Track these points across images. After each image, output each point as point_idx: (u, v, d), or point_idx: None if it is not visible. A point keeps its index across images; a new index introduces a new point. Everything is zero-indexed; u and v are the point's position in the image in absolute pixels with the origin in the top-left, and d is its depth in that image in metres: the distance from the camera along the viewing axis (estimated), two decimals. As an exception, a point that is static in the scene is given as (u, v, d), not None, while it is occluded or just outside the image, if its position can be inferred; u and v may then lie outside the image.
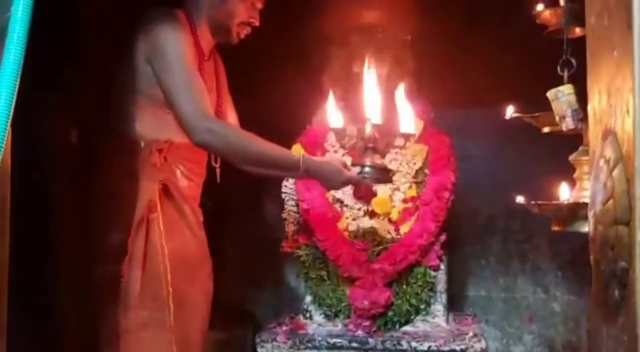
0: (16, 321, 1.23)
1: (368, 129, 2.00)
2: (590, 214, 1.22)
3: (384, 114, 2.02)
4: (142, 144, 1.90)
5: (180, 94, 1.84)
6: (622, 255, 1.04)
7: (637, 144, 1.00)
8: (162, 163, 1.90)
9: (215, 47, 2.16)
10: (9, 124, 1.12)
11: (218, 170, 2.10)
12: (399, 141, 2.27)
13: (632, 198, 1.01)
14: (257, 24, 2.10)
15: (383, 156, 2.04)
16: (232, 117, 2.24)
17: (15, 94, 1.14)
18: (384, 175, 1.99)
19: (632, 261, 1.01)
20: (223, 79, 2.22)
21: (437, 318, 2.53)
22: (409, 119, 2.06)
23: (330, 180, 1.97)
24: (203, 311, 1.99)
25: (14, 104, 1.13)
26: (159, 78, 1.87)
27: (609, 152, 1.09)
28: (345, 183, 2.01)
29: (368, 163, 1.94)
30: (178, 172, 1.96)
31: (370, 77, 2.12)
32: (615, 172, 1.06)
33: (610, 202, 1.08)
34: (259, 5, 2.09)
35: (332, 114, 2.15)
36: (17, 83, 1.14)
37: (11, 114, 1.12)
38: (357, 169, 1.95)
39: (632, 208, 1.01)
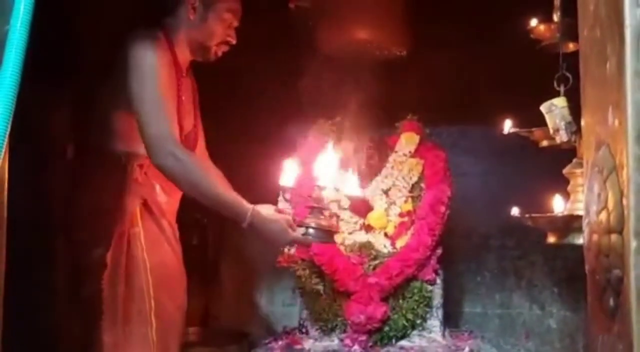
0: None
1: (316, 191, 2.03)
2: (585, 223, 1.23)
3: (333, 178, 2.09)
4: (123, 159, 1.91)
5: (151, 113, 1.84)
6: (616, 263, 1.05)
7: (630, 154, 1.01)
8: (143, 178, 1.91)
9: (191, 64, 2.18)
10: (7, 134, 1.13)
11: None
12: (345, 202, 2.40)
13: (626, 208, 1.02)
14: (234, 42, 2.13)
15: (330, 215, 2.08)
16: (201, 136, 2.27)
17: (14, 105, 1.15)
18: (328, 236, 2.03)
19: (625, 269, 1.02)
20: (197, 96, 2.24)
21: (433, 333, 2.53)
22: (354, 182, 2.23)
23: (274, 239, 1.97)
24: (181, 325, 1.99)
25: (12, 114, 1.14)
26: (132, 94, 1.87)
27: (603, 163, 1.10)
28: (290, 244, 2.06)
29: (312, 224, 1.96)
30: (158, 188, 1.97)
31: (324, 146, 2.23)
32: (609, 183, 1.07)
33: (604, 212, 1.09)
34: (236, 24, 2.12)
35: (287, 172, 2.15)
36: (16, 94, 1.15)
37: (10, 124, 1.13)
38: (302, 230, 1.97)
39: (625, 218, 1.02)
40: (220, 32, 2.08)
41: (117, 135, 1.94)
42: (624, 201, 1.02)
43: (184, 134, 2.05)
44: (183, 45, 2.07)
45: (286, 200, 2.42)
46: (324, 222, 1.99)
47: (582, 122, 1.28)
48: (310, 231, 1.96)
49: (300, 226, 1.97)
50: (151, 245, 1.89)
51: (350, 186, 2.23)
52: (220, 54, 2.13)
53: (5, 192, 1.24)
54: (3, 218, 1.22)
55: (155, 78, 1.88)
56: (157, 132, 1.83)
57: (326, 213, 2.04)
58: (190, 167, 1.85)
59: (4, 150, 1.13)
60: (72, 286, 1.88)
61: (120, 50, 1.92)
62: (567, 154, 2.02)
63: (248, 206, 1.92)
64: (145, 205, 1.90)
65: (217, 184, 1.88)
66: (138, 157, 1.93)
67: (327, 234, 2.01)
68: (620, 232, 1.03)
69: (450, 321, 2.90)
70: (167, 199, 2.00)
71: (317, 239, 2.00)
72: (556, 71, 2.02)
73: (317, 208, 2.01)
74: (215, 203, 1.90)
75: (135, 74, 1.87)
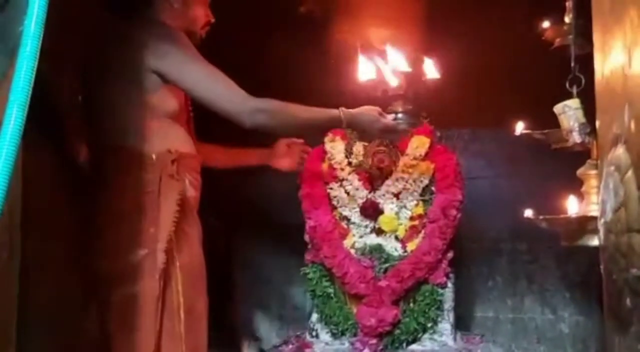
0: (32, 335, 1.23)
1: (396, 79, 2.17)
2: (601, 222, 1.22)
3: (410, 64, 2.23)
4: (154, 157, 1.90)
5: (213, 90, 1.86)
6: (635, 263, 1.04)
7: (648, 151, 1.00)
8: (178, 174, 1.91)
9: None
10: (21, 137, 1.13)
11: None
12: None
13: (644, 205, 1.01)
14: (213, 20, 2.13)
15: (411, 103, 2.22)
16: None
17: (28, 105, 1.15)
18: (416, 119, 2.17)
19: (644, 268, 1.01)
20: None
21: (444, 337, 2.51)
22: (432, 66, 2.29)
23: (369, 128, 2.12)
24: (206, 318, 2.00)
25: (26, 115, 1.14)
26: (182, 84, 1.88)
27: (620, 160, 1.10)
28: (382, 130, 2.15)
29: (400, 109, 2.12)
30: (187, 182, 1.97)
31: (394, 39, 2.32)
32: (627, 179, 1.07)
33: (621, 210, 1.08)
34: (208, 1, 2.13)
35: (363, 66, 2.27)
36: (30, 93, 1.15)
37: (23, 126, 1.13)
38: (391, 116, 2.11)
39: (643, 215, 1.01)
40: (202, 14, 2.10)
41: (142, 133, 1.93)
42: (642, 199, 1.01)
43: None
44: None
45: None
46: (408, 107, 2.15)
47: (597, 121, 1.27)
48: (399, 115, 2.12)
49: (389, 113, 2.12)
50: (180, 242, 1.89)
51: (430, 69, 2.31)
52: (204, 35, 2.13)
53: (20, 196, 1.23)
54: (17, 225, 1.22)
55: (195, 55, 1.89)
56: (229, 99, 1.87)
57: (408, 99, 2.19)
58: (278, 111, 1.95)
59: (19, 145, 1.13)
60: (108, 287, 1.87)
61: (135, 46, 1.90)
62: (580, 157, 2.01)
63: (336, 110, 2.05)
64: (182, 200, 1.90)
65: (302, 110, 1.99)
66: (168, 153, 1.92)
67: (414, 117, 2.15)
68: (638, 230, 1.02)
69: (462, 325, 2.88)
70: (195, 194, 2.01)
71: (406, 123, 2.15)
72: (568, 73, 2.02)
73: (400, 95, 2.16)
74: (310, 126, 2.07)
75: (176, 62, 1.88)
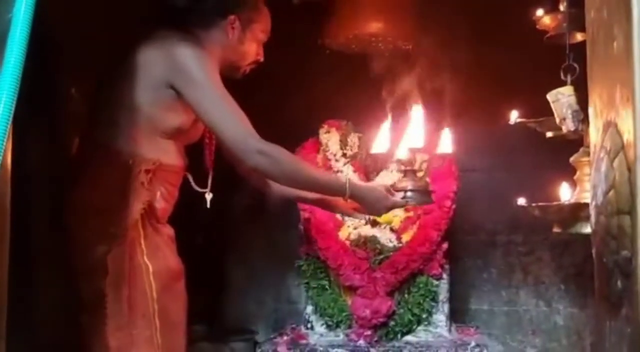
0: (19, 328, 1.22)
1: (406, 153, 2.08)
2: (592, 206, 1.21)
3: (423, 138, 2.11)
4: (131, 162, 1.89)
5: (224, 120, 1.82)
6: (625, 244, 1.03)
7: (638, 132, 1.00)
8: (149, 183, 1.89)
9: None
10: (9, 124, 1.12)
11: (209, 197, 2.09)
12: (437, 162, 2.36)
13: (634, 186, 1.01)
14: (262, 60, 2.11)
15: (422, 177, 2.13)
16: None
17: (17, 94, 1.14)
18: (426, 197, 2.07)
19: (634, 250, 1.00)
20: None
21: (439, 328, 2.52)
22: (446, 139, 2.17)
23: (374, 206, 2.01)
24: (184, 324, 1.98)
25: (15, 104, 1.13)
26: (193, 105, 1.86)
27: (610, 143, 1.09)
28: (389, 208, 2.06)
29: (410, 187, 2.00)
30: (158, 194, 1.95)
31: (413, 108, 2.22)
32: (616, 162, 1.06)
33: (612, 192, 1.08)
34: (264, 40, 2.11)
35: (378, 139, 2.21)
36: (19, 83, 1.14)
37: (12, 114, 1.12)
38: (400, 194, 2.01)
39: (633, 196, 1.01)
40: (254, 51, 2.07)
41: (128, 138, 1.91)
42: (632, 180, 1.01)
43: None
44: (215, 62, 2.03)
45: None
46: (419, 183, 2.04)
47: (590, 105, 1.27)
48: (409, 193, 2.00)
49: (398, 190, 2.01)
50: (151, 249, 1.88)
51: (444, 143, 2.20)
52: (247, 71, 2.11)
53: (9, 185, 1.23)
54: (6, 213, 1.21)
55: (215, 82, 1.86)
56: (236, 135, 1.82)
57: (419, 175, 2.11)
58: (283, 160, 1.87)
59: (6, 138, 1.12)
60: (74, 285, 1.86)
61: (151, 52, 1.88)
62: (574, 147, 2.01)
63: (343, 180, 1.99)
64: (145, 209, 1.89)
65: (309, 167, 1.95)
66: (146, 161, 1.91)
67: (426, 194, 2.05)
68: (628, 212, 1.02)
69: (457, 317, 2.89)
70: (165, 206, 1.98)
71: (416, 201, 2.05)
72: (562, 64, 2.01)
73: (411, 171, 2.06)
74: (313, 186, 1.98)
75: (192, 82, 1.83)
